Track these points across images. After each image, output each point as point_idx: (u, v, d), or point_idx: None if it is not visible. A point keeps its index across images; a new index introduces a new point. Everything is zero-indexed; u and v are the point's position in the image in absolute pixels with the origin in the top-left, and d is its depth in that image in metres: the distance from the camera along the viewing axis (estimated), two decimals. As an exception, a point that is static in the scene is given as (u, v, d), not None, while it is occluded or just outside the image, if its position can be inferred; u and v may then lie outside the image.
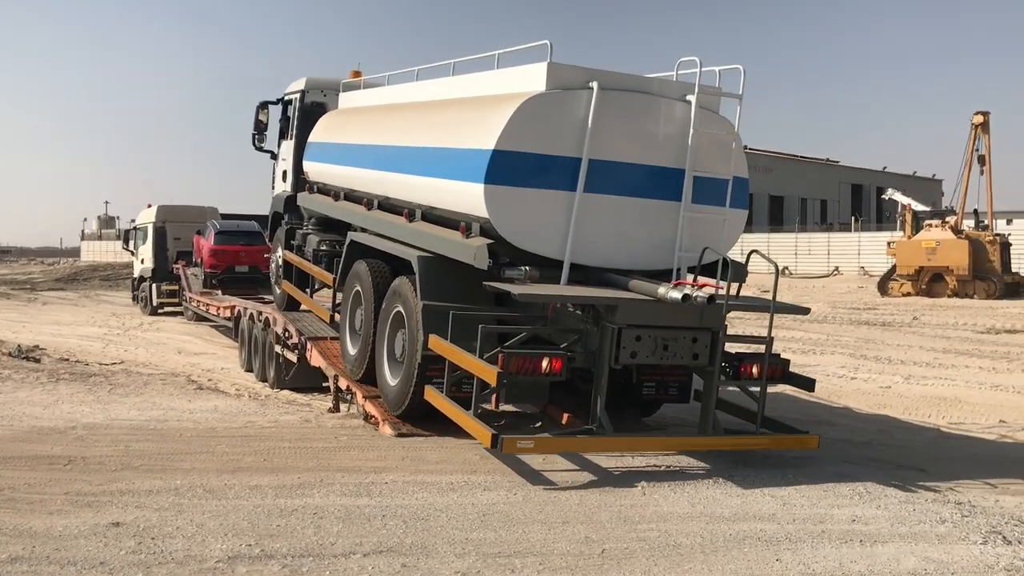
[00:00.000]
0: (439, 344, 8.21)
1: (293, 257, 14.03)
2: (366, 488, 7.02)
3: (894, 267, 36.00)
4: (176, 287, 27.16)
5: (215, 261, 24.41)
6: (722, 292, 7.70)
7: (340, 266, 11.20)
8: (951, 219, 35.38)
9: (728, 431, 8.22)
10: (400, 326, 9.20)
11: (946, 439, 10.42)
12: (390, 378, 9.40)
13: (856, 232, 51.41)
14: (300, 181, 13.95)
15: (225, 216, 29.50)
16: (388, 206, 10.48)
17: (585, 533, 6.02)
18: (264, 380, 14.54)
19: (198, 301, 22.47)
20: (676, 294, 7.38)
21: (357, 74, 13.59)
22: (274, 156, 15.51)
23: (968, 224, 36.01)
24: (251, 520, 6.18)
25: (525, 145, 7.90)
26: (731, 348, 8.41)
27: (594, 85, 7.95)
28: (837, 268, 47.29)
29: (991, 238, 34.26)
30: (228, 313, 18.40)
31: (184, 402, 11.27)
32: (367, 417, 9.66)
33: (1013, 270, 34.98)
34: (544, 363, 7.46)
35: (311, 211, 13.58)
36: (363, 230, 11.10)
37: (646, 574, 5.34)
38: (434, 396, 8.37)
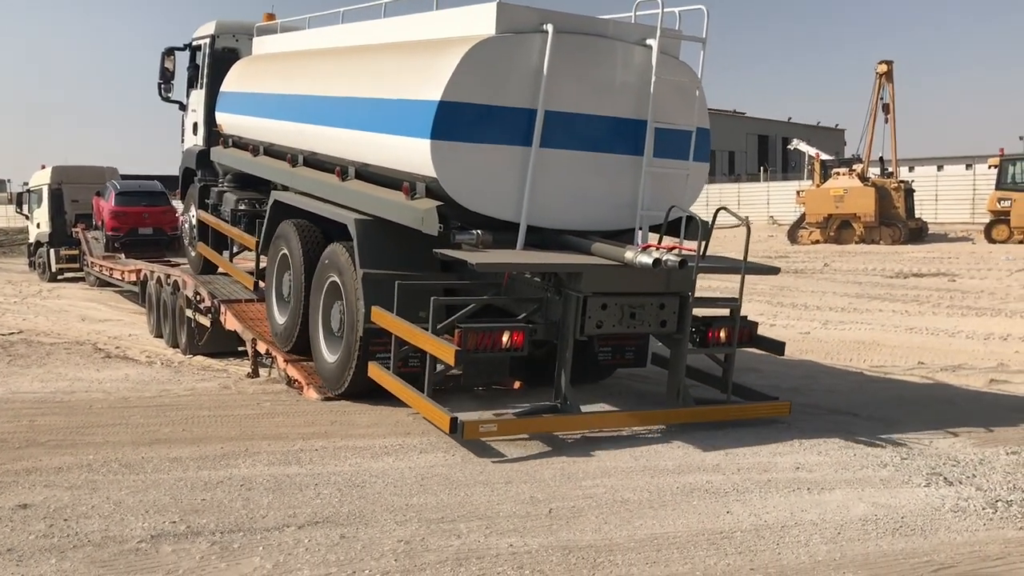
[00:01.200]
0: (383, 317, 7.62)
1: (208, 217, 13.16)
2: (295, 456, 6.68)
3: (803, 216, 36.68)
4: (76, 252, 25.94)
5: (117, 223, 23.31)
6: (692, 254, 7.24)
7: (263, 228, 10.46)
8: (858, 167, 36.13)
9: (697, 400, 7.78)
10: (336, 297, 8.59)
11: (871, 382, 10.52)
12: (327, 354, 8.76)
13: (764, 182, 52.25)
14: (213, 134, 13.13)
15: (125, 177, 28.25)
16: (315, 162, 9.80)
17: (530, 493, 5.81)
18: (176, 346, 13.90)
19: (100, 266, 21.45)
20: (646, 259, 6.87)
21: (271, 17, 12.83)
22: (183, 107, 14.56)
23: (873, 172, 36.84)
24: (173, 495, 5.79)
25: (475, 95, 7.23)
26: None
27: (549, 28, 7.32)
28: (747, 217, 47.90)
29: (896, 185, 35.12)
30: (134, 277, 17.57)
31: (92, 372, 10.66)
32: (290, 381, 9.26)
33: (916, 216, 35.99)
34: (505, 337, 6.86)
35: (226, 167, 12.79)
36: (287, 188, 10.42)
37: (597, 532, 5.15)
38: (380, 374, 7.77)
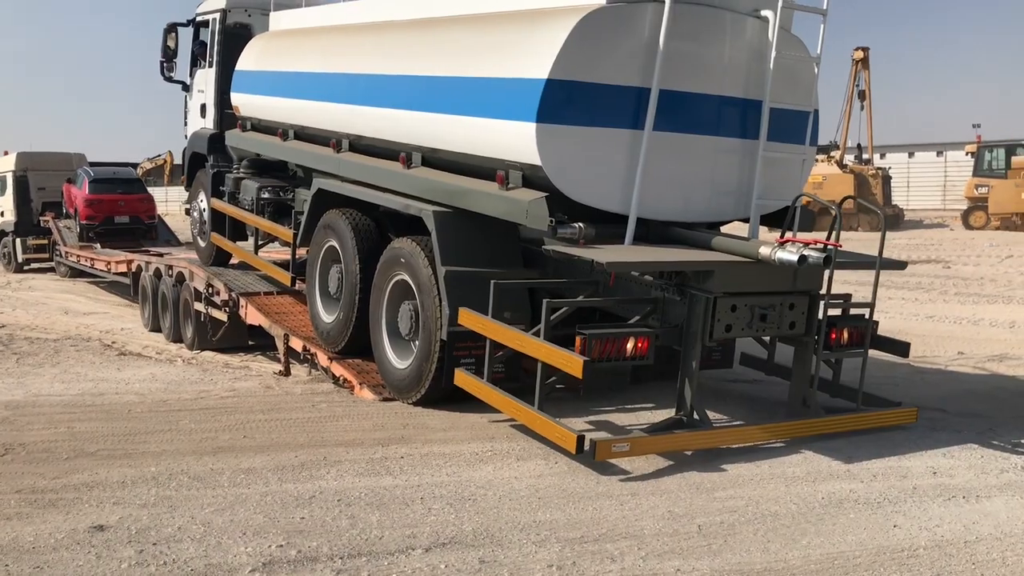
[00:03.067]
0: (474, 319, 6.86)
1: (226, 206, 12.05)
2: (383, 465, 6.09)
3: (783, 203, 36.50)
4: (45, 241, 24.81)
5: (91, 212, 22.22)
6: (840, 249, 6.43)
7: (304, 219, 9.56)
8: (835, 154, 36.11)
9: (826, 409, 7.04)
10: (406, 297, 7.82)
11: (923, 374, 10.18)
12: (395, 359, 7.91)
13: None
14: (226, 117, 12.28)
15: (93, 164, 27.12)
16: (362, 147, 9.00)
17: (665, 507, 5.29)
18: (178, 341, 13.17)
19: (78, 256, 20.42)
20: (788, 256, 6.07)
21: None
22: (187, 88, 13.63)
23: (848, 158, 36.87)
24: (266, 513, 5.18)
25: (584, 72, 6.44)
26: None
27: None
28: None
29: (873, 172, 35.15)
30: (123, 268, 16.71)
31: (112, 371, 9.91)
32: (337, 380, 8.64)
33: (893, 202, 36.09)
34: (629, 345, 6.12)
35: (243, 152, 11.89)
36: (326, 175, 9.55)
37: (765, 552, 4.66)
38: (473, 383, 6.95)
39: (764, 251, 6.25)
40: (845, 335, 6.93)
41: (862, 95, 36.79)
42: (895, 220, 34.99)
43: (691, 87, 6.83)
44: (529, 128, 6.46)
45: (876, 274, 6.97)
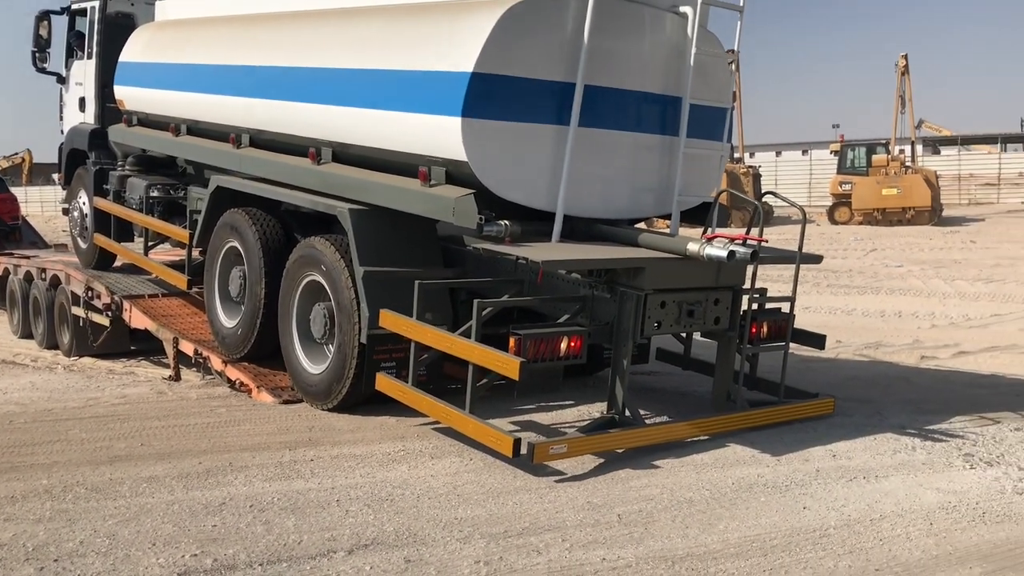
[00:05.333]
0: (399, 322, 6.58)
1: (112, 206, 11.33)
2: (292, 469, 5.94)
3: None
4: None
5: (-54, 212, 20.98)
6: (764, 244, 6.43)
7: (202, 218, 9.08)
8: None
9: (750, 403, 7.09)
10: (318, 299, 7.52)
11: (808, 363, 10.48)
12: (308, 365, 7.60)
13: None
14: (108, 111, 11.63)
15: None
16: (264, 143, 8.65)
17: (584, 498, 5.33)
18: (53, 348, 12.52)
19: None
20: (717, 251, 6.07)
21: None
22: (62, 80, 12.83)
23: (721, 157, 37.93)
24: (175, 522, 4.98)
25: (509, 66, 6.27)
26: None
27: None
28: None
29: (745, 170, 36.39)
30: (-14, 272, 15.75)
31: (-14, 381, 9.37)
32: (233, 384, 8.38)
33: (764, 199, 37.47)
34: (563, 344, 5.97)
35: (128, 148, 11.30)
36: (227, 172, 9.09)
37: (685, 538, 4.74)
38: (396, 388, 6.67)
39: (692, 247, 6.23)
40: (765, 329, 7.00)
41: (732, 96, 37.98)
42: (767, 216, 36.32)
43: (613, 83, 6.77)
44: (454, 123, 6.25)
45: (796, 268, 7.09)
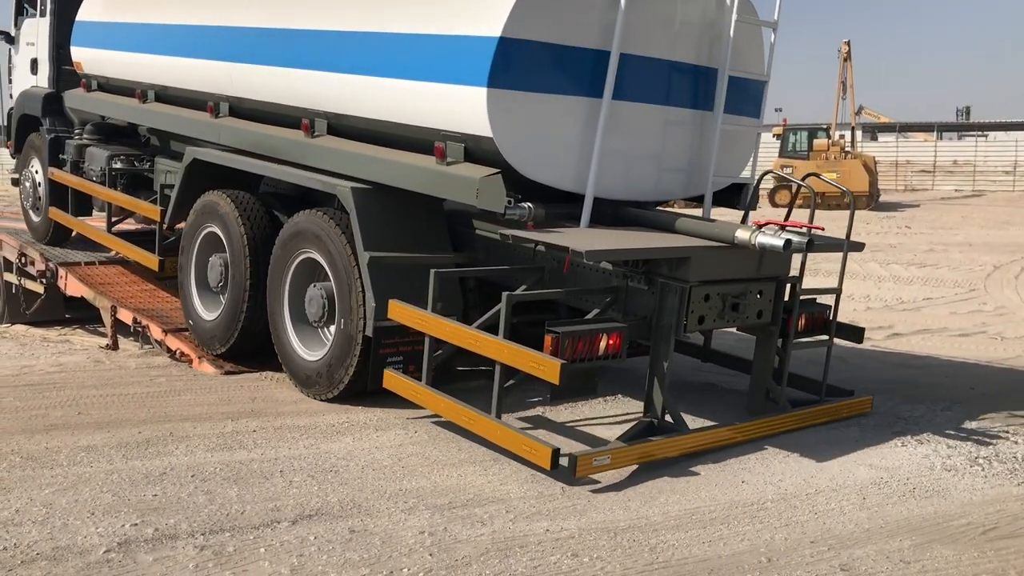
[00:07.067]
0: (412, 315, 5.96)
1: (69, 177, 10.54)
2: (235, 439, 5.89)
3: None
4: None
5: None
6: (820, 233, 5.95)
7: (175, 194, 8.39)
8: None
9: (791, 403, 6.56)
10: (314, 278, 6.89)
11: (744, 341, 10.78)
12: (304, 352, 6.95)
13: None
14: (63, 73, 10.92)
15: None
16: (245, 112, 8.03)
17: (527, 471, 5.35)
18: (-16, 315, 12.24)
19: None
20: (773, 240, 5.48)
21: None
22: (10, 40, 12.10)
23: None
24: (114, 492, 4.92)
25: (539, 31, 5.70)
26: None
27: None
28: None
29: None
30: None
31: (-89, 347, 9.10)
32: (174, 354, 8.26)
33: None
34: (603, 342, 5.40)
35: (86, 115, 10.60)
36: (202, 143, 8.50)
37: (627, 511, 4.82)
38: (407, 387, 6.10)
39: (742, 235, 5.66)
40: (802, 322, 6.45)
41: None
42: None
43: (647, 51, 6.19)
44: (478, 94, 5.69)
45: (843, 256, 6.54)
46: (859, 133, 40.65)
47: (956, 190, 42.55)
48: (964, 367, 9.08)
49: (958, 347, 10.24)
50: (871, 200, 33.48)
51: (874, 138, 52.66)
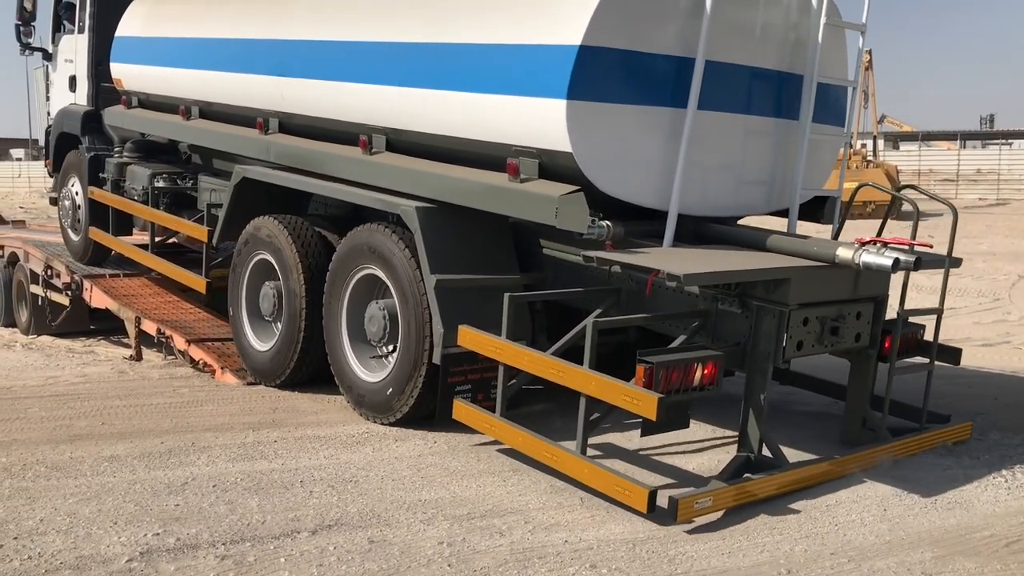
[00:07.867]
0: (486, 343, 5.61)
1: (110, 196, 10.29)
2: (256, 449, 5.94)
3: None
4: None
5: None
6: (924, 250, 5.62)
7: (224, 214, 8.09)
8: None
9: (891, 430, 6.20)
10: (374, 296, 6.65)
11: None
12: (363, 372, 6.66)
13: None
14: (102, 91, 10.65)
15: None
16: (295, 128, 7.79)
17: (546, 481, 5.38)
18: (11, 326, 12.41)
19: None
20: (880, 260, 5.15)
21: None
22: (48, 56, 11.92)
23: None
24: (137, 502, 4.97)
25: (620, 38, 5.37)
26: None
27: None
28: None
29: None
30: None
31: (-60, 358, 9.24)
32: (197, 364, 8.34)
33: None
34: (697, 372, 4.97)
35: (127, 132, 10.35)
36: (242, 161, 8.30)
37: (645, 521, 4.84)
38: (481, 419, 5.72)
39: (844, 253, 5.29)
40: (899, 344, 6.05)
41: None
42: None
43: (731, 57, 5.85)
44: (557, 106, 5.34)
45: (945, 274, 6.20)
46: (880, 142, 40.51)
47: (980, 199, 42.22)
48: (988, 377, 9.00)
49: (981, 357, 10.14)
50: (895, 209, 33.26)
51: (896, 147, 52.43)
